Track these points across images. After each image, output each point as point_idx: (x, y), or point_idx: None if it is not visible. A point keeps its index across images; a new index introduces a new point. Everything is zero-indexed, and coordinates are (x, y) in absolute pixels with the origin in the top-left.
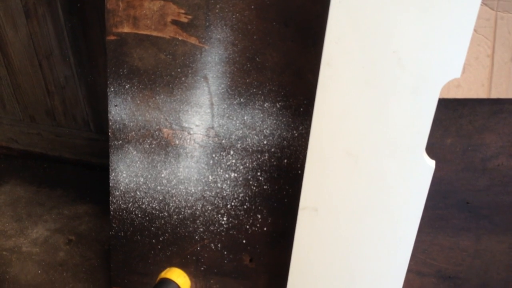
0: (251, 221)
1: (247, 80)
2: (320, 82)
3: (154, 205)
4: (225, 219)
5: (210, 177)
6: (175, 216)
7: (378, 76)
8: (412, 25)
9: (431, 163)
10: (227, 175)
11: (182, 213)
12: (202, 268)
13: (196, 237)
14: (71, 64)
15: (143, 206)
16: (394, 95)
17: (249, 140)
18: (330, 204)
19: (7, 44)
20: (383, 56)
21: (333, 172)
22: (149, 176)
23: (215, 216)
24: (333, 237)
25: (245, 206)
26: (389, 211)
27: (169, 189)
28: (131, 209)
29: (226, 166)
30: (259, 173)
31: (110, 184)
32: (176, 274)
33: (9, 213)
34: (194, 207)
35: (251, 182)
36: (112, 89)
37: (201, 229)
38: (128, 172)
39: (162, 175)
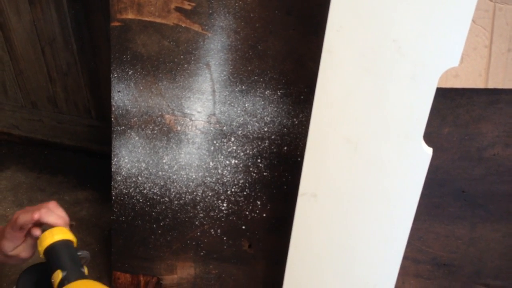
0: (250, 207)
1: (249, 68)
2: (321, 69)
3: (155, 191)
4: (225, 205)
5: (211, 163)
6: (176, 202)
7: (378, 64)
8: (412, 14)
9: (429, 151)
10: (227, 162)
11: (183, 198)
12: (202, 253)
13: (196, 223)
14: (74, 51)
15: (145, 191)
16: (394, 83)
17: (250, 127)
18: (329, 190)
19: (10, 30)
20: (383, 44)
21: (332, 158)
22: (151, 162)
23: (215, 202)
24: (331, 222)
25: (245, 193)
26: (387, 197)
27: (170, 174)
28: (132, 194)
29: (227, 153)
30: (259, 160)
31: (112, 169)
32: (58, 232)
33: (10, 198)
34: (194, 193)
35: (251, 169)
36: (116, 75)
37: (201, 215)
38: (130, 158)
39: (164, 161)
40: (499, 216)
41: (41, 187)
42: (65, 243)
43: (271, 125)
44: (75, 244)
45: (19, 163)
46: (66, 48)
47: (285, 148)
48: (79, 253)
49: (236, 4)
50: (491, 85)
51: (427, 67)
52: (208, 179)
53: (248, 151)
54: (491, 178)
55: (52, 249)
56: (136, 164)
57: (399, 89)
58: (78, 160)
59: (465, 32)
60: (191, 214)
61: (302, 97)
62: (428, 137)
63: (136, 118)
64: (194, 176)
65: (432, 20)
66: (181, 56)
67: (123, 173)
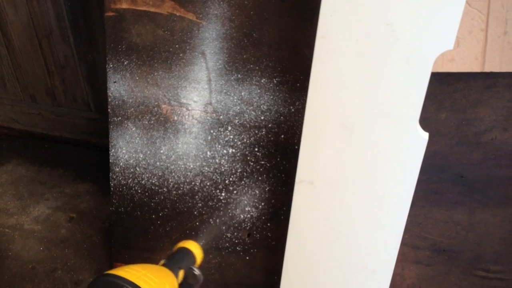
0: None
1: (244, 56)
2: (316, 55)
3: (153, 181)
4: (223, 194)
5: (208, 152)
6: (174, 192)
7: (372, 48)
8: None
9: (425, 135)
10: (225, 151)
11: (181, 188)
12: (201, 243)
13: (195, 212)
14: (71, 44)
15: (143, 182)
16: (388, 67)
17: (247, 115)
18: (326, 177)
19: (7, 24)
20: (377, 29)
21: (328, 145)
22: (148, 152)
23: (214, 191)
24: (328, 209)
25: (243, 182)
26: (384, 182)
27: (168, 165)
28: (131, 185)
29: (224, 142)
30: (256, 149)
31: (110, 160)
32: (193, 245)
33: (11, 191)
34: (193, 183)
35: (248, 158)
36: (111, 66)
37: (200, 205)
38: (128, 148)
39: (161, 151)
40: (497, 201)
41: (42, 180)
42: (186, 250)
43: (267, 113)
44: (198, 260)
45: (20, 156)
46: (63, 41)
47: (282, 136)
48: (193, 268)
49: None
50: (487, 69)
51: (422, 51)
52: (206, 168)
53: (245, 140)
54: (489, 162)
55: (178, 250)
56: (133, 155)
57: (394, 73)
58: (78, 153)
59: (459, 14)
60: (189, 204)
61: (298, 84)
62: (426, 123)
63: (132, 109)
64: (192, 166)
65: (425, 3)
66: (176, 45)
67: (121, 164)
